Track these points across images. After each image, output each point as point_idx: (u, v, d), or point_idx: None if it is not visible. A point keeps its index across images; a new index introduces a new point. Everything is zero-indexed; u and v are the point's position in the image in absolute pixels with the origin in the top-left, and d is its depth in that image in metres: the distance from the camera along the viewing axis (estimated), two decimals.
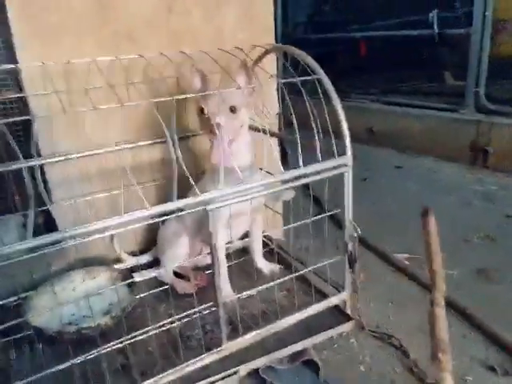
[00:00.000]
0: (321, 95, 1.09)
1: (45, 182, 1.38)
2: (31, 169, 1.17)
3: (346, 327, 1.28)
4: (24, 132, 1.38)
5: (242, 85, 1.15)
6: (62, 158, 0.97)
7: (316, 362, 1.15)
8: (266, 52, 1.31)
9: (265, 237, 1.60)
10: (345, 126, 1.10)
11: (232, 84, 1.13)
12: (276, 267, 1.46)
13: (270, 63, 1.50)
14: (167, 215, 0.96)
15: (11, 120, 0.85)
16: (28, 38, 1.23)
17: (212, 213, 0.97)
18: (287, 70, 1.15)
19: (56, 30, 1.26)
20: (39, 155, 1.28)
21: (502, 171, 2.48)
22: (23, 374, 1.02)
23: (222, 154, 1.10)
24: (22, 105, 1.29)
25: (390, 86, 3.68)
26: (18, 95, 1.15)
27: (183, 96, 1.01)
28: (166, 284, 1.33)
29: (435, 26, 2.85)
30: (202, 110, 1.17)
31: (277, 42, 1.65)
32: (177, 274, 1.45)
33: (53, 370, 1.00)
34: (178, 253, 1.39)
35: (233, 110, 1.16)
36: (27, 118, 0.90)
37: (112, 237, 1.48)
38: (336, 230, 1.58)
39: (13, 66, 1.00)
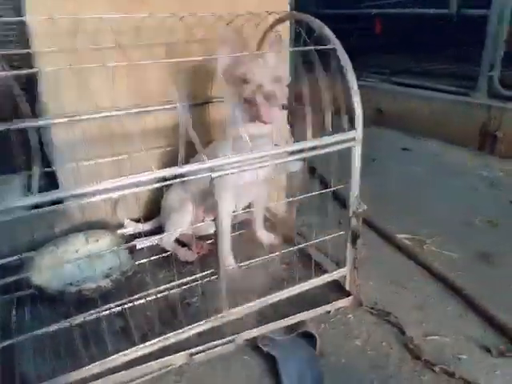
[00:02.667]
0: (334, 67, 1.06)
1: (49, 143, 1.37)
2: (37, 129, 1.16)
3: (345, 302, 1.29)
4: (29, 92, 1.36)
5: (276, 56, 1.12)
6: (66, 119, 0.95)
7: (313, 335, 1.16)
8: (280, 20, 1.27)
9: (268, 211, 1.60)
10: (357, 99, 1.08)
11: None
12: (275, 238, 1.47)
13: (283, 33, 1.45)
14: (172, 180, 0.95)
15: (16, 73, 0.82)
16: None
17: (217, 180, 0.96)
18: (299, 43, 1.12)
19: None
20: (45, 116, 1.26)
21: (509, 157, 2.46)
22: (24, 331, 1.04)
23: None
24: (29, 63, 1.26)
25: (402, 67, 3.61)
26: (22, 51, 1.12)
27: (208, 57, 0.97)
28: (168, 251, 1.33)
29: (453, 6, 2.77)
30: (244, 80, 1.11)
31: None
32: (179, 242, 1.46)
33: (54, 327, 1.01)
34: (182, 219, 1.38)
35: (278, 80, 1.13)
36: (33, 71, 0.87)
37: (115, 203, 1.48)
38: (340, 208, 1.57)
39: (18, 18, 0.97)
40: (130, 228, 1.50)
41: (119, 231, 1.46)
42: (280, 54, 1.13)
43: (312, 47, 1.01)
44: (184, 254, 1.39)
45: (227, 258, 1.26)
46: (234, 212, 1.28)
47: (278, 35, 1.14)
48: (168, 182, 0.95)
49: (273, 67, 1.12)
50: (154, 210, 1.55)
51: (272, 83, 1.11)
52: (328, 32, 1.07)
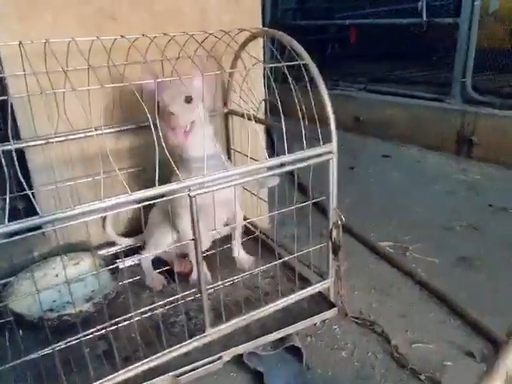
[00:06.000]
0: (307, 81, 1.07)
1: (26, 166, 1.35)
2: (9, 153, 1.14)
3: (330, 314, 1.29)
4: (3, 115, 1.34)
5: (198, 78, 1.12)
6: (41, 142, 0.94)
7: (299, 348, 1.16)
8: (253, 36, 1.29)
9: (251, 224, 1.60)
10: (330, 112, 1.09)
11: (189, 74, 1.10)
12: (250, 260, 1.44)
13: (257, 49, 1.47)
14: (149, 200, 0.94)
15: None
16: (5, 14, 1.19)
17: (195, 199, 0.96)
18: (274, 58, 1.13)
19: (35, 6, 1.22)
20: (19, 139, 1.25)
21: (486, 161, 2.51)
22: (4, 360, 1.01)
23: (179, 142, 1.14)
24: (1, 87, 1.25)
25: (378, 75, 3.67)
26: None
27: (167, 79, 0.99)
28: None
29: (424, 15, 2.84)
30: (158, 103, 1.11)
31: (265, 27, 1.62)
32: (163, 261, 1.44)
33: (34, 355, 0.99)
34: (162, 240, 1.36)
35: (188, 100, 1.14)
36: (3, 98, 0.86)
37: (104, 220, 1.46)
38: (322, 218, 1.58)
39: None
40: (121, 243, 1.49)
41: (100, 252, 1.45)
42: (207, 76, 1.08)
43: (283, 63, 1.02)
44: (150, 280, 1.36)
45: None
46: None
47: (208, 56, 1.13)
48: (143, 204, 0.95)
49: (184, 88, 1.10)
50: (137, 226, 1.54)
51: (180, 104, 1.12)
52: (298, 47, 1.09)
